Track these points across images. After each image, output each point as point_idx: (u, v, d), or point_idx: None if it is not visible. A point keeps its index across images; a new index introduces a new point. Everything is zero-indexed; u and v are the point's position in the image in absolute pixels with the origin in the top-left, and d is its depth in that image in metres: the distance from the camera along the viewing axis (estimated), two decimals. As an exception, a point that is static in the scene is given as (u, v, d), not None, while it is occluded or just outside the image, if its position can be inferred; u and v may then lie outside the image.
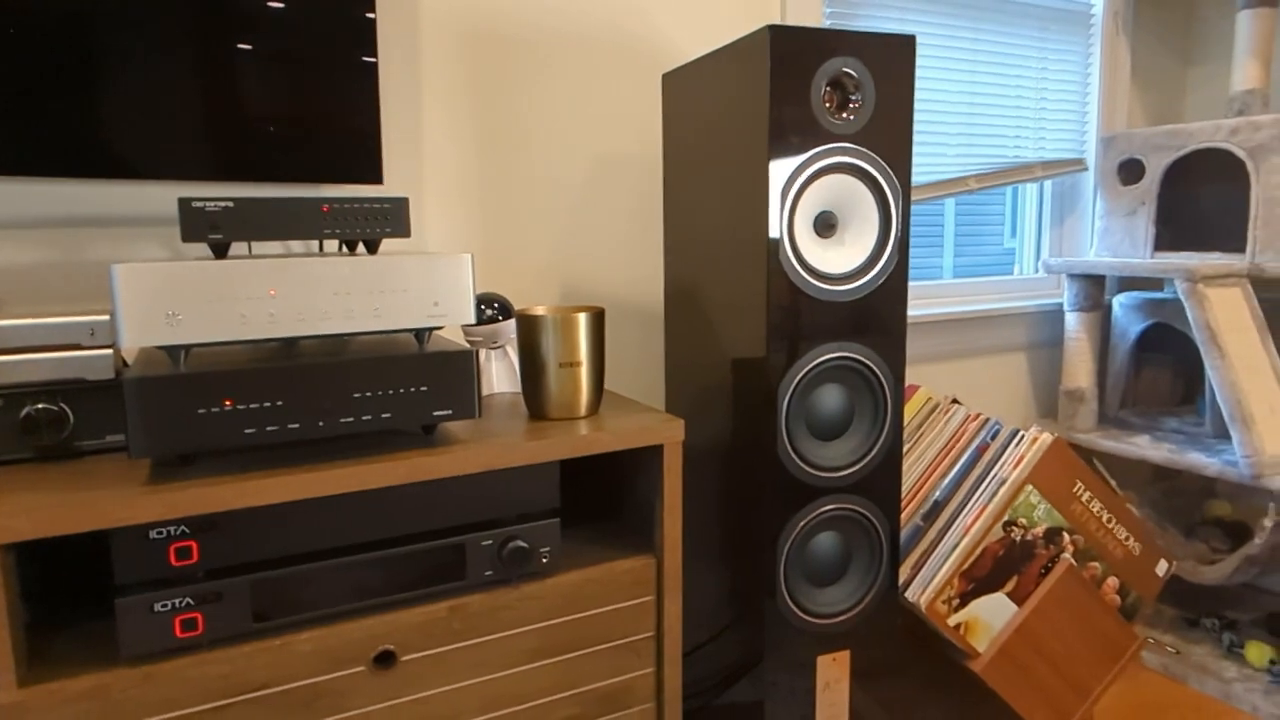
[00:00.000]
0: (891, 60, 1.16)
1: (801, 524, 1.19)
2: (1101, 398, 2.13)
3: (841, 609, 1.23)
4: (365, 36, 1.27)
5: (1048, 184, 2.31)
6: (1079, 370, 2.07)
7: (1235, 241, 1.91)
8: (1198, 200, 2.04)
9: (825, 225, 1.18)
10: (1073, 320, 2.08)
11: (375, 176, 1.33)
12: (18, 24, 1.07)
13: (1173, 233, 2.05)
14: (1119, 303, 2.10)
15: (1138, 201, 2.06)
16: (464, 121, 1.46)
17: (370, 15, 1.27)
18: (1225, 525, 2.03)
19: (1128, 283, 2.27)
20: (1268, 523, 1.74)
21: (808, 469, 1.18)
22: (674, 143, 1.40)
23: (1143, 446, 1.89)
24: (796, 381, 1.16)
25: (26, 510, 0.81)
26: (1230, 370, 1.69)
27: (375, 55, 1.28)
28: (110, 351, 0.99)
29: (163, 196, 1.26)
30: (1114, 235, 2.11)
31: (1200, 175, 2.01)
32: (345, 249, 1.16)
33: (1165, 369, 2.17)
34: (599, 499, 1.33)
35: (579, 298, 1.59)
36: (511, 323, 1.33)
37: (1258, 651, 1.78)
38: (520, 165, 1.51)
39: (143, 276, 0.85)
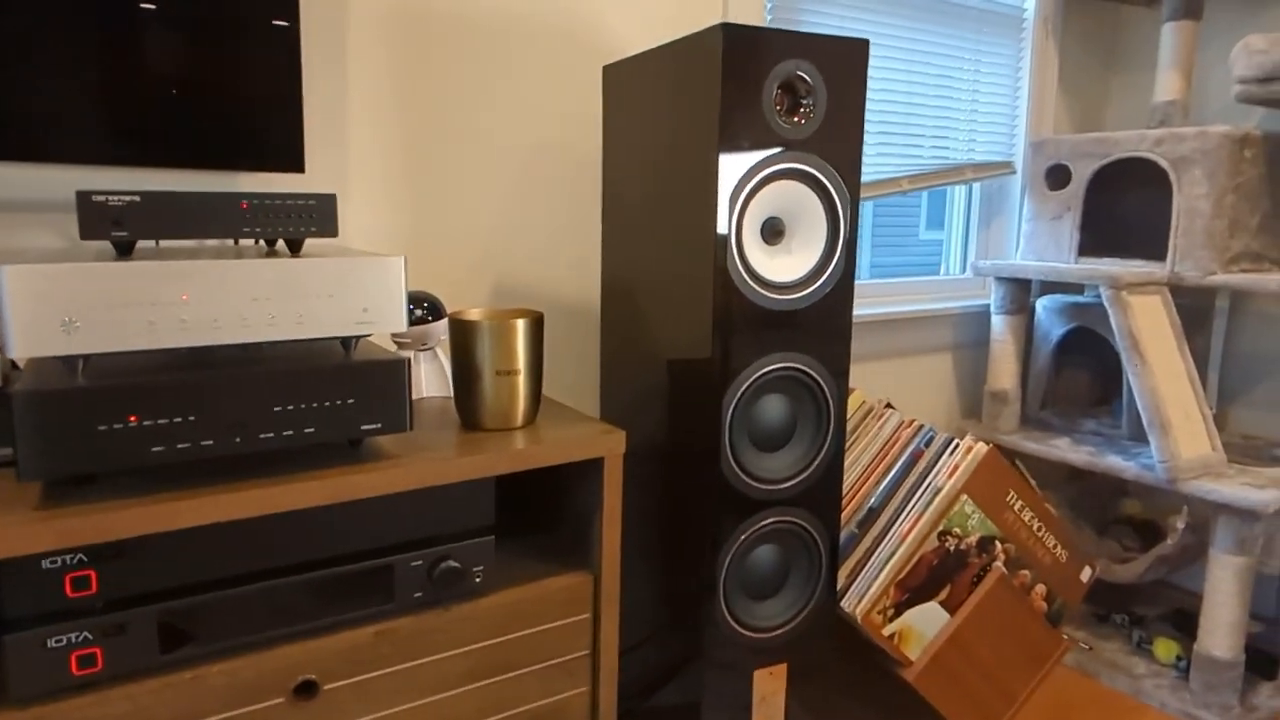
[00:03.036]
0: (844, 64, 1.14)
1: (742, 537, 1.17)
2: (1023, 399, 2.18)
3: (779, 622, 1.21)
4: (287, 7, 1.18)
5: (976, 186, 2.35)
6: (1003, 372, 2.11)
7: (1156, 249, 1.96)
8: (1121, 207, 2.09)
9: (773, 232, 1.15)
10: (999, 323, 2.12)
11: (296, 164, 1.24)
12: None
13: (1096, 238, 2.10)
14: (1042, 306, 2.15)
15: (1064, 206, 2.10)
16: (390, 106, 1.38)
17: (294, -10, 1.18)
18: (1136, 524, 2.10)
19: (1051, 286, 2.33)
20: (1180, 524, 1.80)
21: (750, 481, 1.15)
22: (614, 138, 1.35)
23: (1063, 449, 1.94)
24: (741, 391, 1.13)
25: (-105, 541, 0.72)
26: (1150, 376, 1.74)
27: (297, 21, 1.19)
28: (-4, 357, 0.89)
29: (59, 179, 1.15)
30: (1040, 239, 2.15)
31: (1124, 183, 2.06)
32: (265, 246, 1.08)
33: (1084, 371, 2.24)
34: (533, 509, 1.29)
35: (512, 296, 1.53)
36: (442, 323, 1.27)
37: (1165, 648, 1.85)
38: (451, 155, 1.44)
39: (35, 279, 0.76)
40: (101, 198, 0.82)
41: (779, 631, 1.21)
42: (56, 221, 1.16)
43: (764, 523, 1.17)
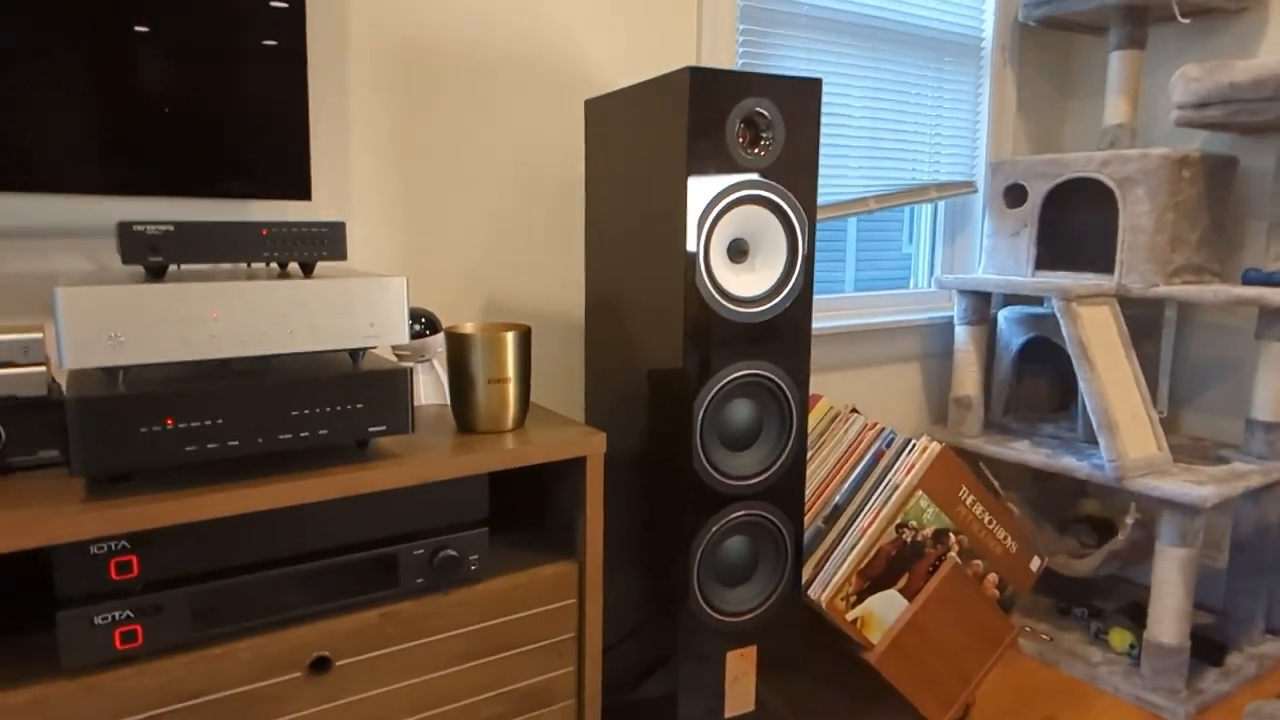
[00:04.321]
0: (800, 101, 1.26)
1: (714, 529, 1.28)
2: (987, 405, 2.30)
3: (749, 607, 1.33)
4: (295, 45, 1.29)
5: (941, 204, 2.48)
6: (967, 380, 2.23)
7: (1105, 263, 2.10)
8: (1073, 224, 2.23)
9: (738, 251, 1.27)
10: (962, 333, 2.25)
11: (303, 192, 1.36)
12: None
13: (1051, 253, 2.23)
14: (1003, 317, 2.28)
15: (1021, 223, 2.24)
16: (387, 135, 1.50)
17: (300, 23, 1.29)
18: (1094, 522, 2.23)
19: (1012, 298, 2.46)
20: (1129, 520, 1.93)
21: (720, 477, 1.27)
22: (595, 165, 1.47)
23: (1023, 451, 2.06)
24: (710, 396, 1.25)
25: (-34, 529, 0.83)
26: (1098, 382, 1.87)
27: (304, 60, 1.30)
28: (44, 369, 1.00)
29: (85, 210, 1.27)
30: (1000, 254, 2.29)
31: (1075, 201, 2.20)
32: (277, 268, 1.19)
33: (1043, 378, 2.37)
34: (523, 506, 1.40)
35: (501, 311, 1.65)
36: (439, 337, 1.38)
37: (1120, 637, 1.97)
38: (444, 180, 1.56)
39: (86, 299, 0.88)
40: (141, 227, 0.94)
41: (749, 616, 1.33)
42: (81, 246, 1.27)
43: (733, 515, 1.29)
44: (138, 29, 1.17)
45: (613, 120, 1.40)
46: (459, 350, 1.21)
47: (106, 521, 0.89)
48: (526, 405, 1.25)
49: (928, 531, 1.51)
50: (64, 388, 1.08)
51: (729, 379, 1.26)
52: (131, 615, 0.92)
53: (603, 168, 1.45)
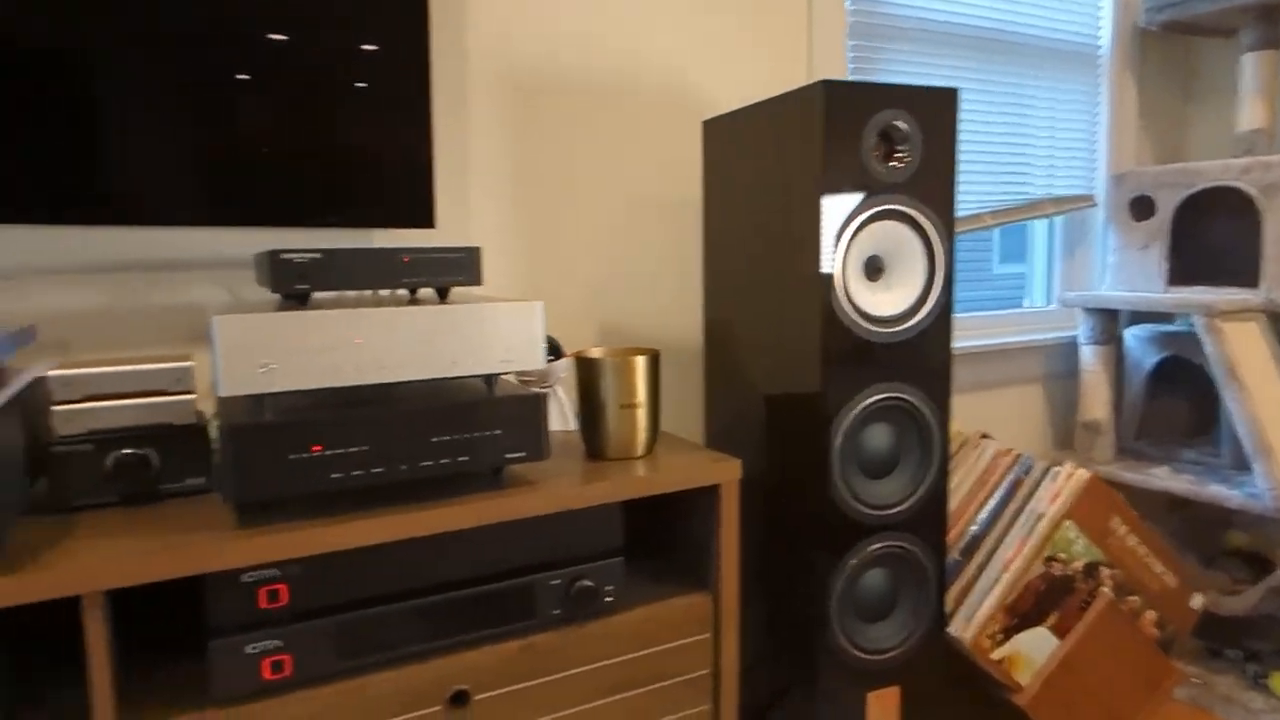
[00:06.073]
0: (936, 111, 1.21)
1: (853, 561, 1.22)
2: (1117, 429, 2.17)
3: (891, 645, 1.26)
4: (421, 77, 1.31)
5: (1058, 219, 2.37)
6: (1095, 402, 2.11)
7: (1247, 276, 1.96)
8: (1207, 236, 2.10)
9: (874, 269, 1.22)
10: (1088, 353, 2.13)
11: (427, 221, 1.37)
12: (56, 72, 1.10)
13: (1185, 267, 2.10)
14: (1132, 335, 2.15)
15: (1150, 237, 2.11)
16: (503, 163, 1.50)
17: (426, 64, 1.31)
18: (1244, 556, 2.06)
19: (1140, 315, 2.32)
20: (1289, 553, 1.77)
21: (860, 506, 1.21)
22: (714, 187, 1.44)
23: (1162, 478, 1.93)
24: (848, 421, 1.19)
25: (125, 556, 0.83)
26: (1250, 403, 1.74)
27: (430, 97, 1.32)
28: (193, 397, 1.01)
29: (216, 242, 1.30)
30: (1127, 269, 2.17)
31: (1211, 211, 2.07)
32: (409, 294, 1.19)
33: (1179, 400, 2.22)
34: (649, 535, 1.36)
35: (617, 337, 1.63)
36: (562, 363, 1.36)
37: (1281, 680, 1.81)
38: (558, 207, 1.55)
39: (239, 327, 0.88)
40: (289, 255, 0.94)
41: (891, 654, 1.26)
42: (215, 277, 1.30)
43: (873, 547, 1.22)
44: (270, 68, 1.19)
45: (734, 140, 1.37)
46: (589, 375, 1.18)
47: (258, 549, 0.88)
48: (656, 431, 1.22)
49: (1078, 565, 1.41)
50: (205, 416, 1.10)
51: (868, 402, 1.20)
52: (280, 645, 0.91)
53: (722, 189, 1.42)
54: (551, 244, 1.55)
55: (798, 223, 1.21)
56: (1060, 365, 2.28)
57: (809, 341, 1.20)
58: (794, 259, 1.22)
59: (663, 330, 1.67)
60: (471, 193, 1.48)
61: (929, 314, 1.23)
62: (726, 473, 1.16)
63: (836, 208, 1.16)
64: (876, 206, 1.18)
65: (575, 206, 1.57)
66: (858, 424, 1.21)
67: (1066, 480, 1.43)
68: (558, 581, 1.07)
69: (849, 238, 1.17)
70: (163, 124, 1.14)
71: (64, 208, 1.11)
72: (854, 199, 1.17)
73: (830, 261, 1.17)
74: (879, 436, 1.24)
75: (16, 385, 0.93)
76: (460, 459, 1.00)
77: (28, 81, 1.07)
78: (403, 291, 1.32)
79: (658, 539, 1.33)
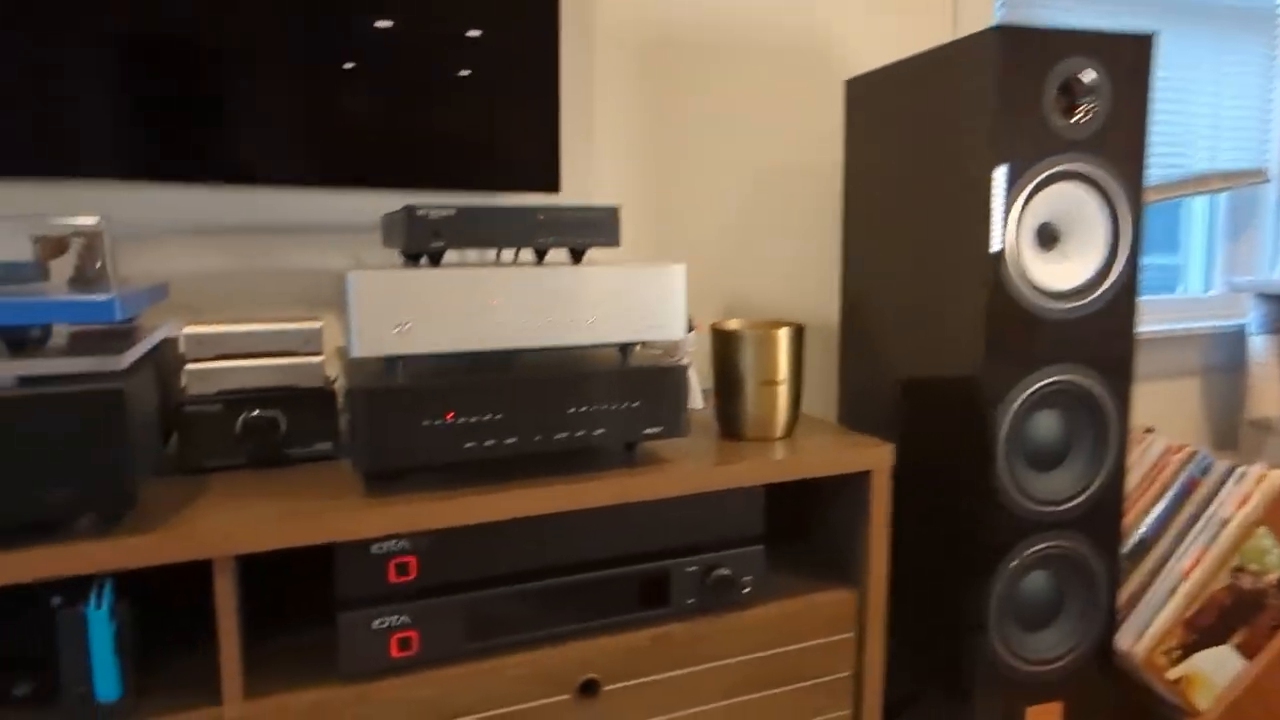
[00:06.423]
0: (1128, 61, 1.07)
1: (1015, 562, 1.10)
2: (1290, 429, 1.96)
3: (1054, 656, 1.13)
4: (549, 35, 1.25)
5: (1221, 197, 2.15)
6: (1268, 398, 1.90)
7: None
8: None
9: (1048, 237, 1.09)
10: (1259, 343, 1.92)
11: (553, 185, 1.31)
12: (210, 31, 1.08)
13: (1377, 251, 1.87)
14: (1312, 326, 1.93)
15: (1336, 217, 1.89)
16: (633, 129, 1.43)
17: (554, 21, 1.24)
18: None
19: (1317, 305, 2.09)
20: None
21: (1025, 501, 1.09)
22: (858, 152, 1.33)
23: (1348, 485, 1.72)
24: (1017, 405, 1.07)
25: (258, 521, 0.79)
26: None
27: (558, 56, 1.26)
28: (322, 359, 0.98)
29: (347, 205, 1.26)
30: (1307, 253, 1.94)
31: None
32: (536, 257, 1.13)
33: (1363, 400, 1.98)
34: (784, 523, 1.27)
35: (744, 311, 1.54)
36: (690, 337, 1.28)
37: None
38: (684, 173, 1.47)
39: (377, 283, 0.83)
40: (424, 211, 0.89)
41: (1054, 666, 1.13)
42: (342, 241, 1.27)
43: (1039, 546, 1.10)
44: (395, 28, 1.15)
45: (883, 98, 1.25)
46: (727, 349, 1.10)
47: (389, 520, 0.83)
48: (798, 411, 1.12)
49: (1271, 577, 1.25)
50: (333, 380, 1.06)
51: (1039, 385, 1.08)
52: (409, 621, 0.87)
53: (867, 153, 1.30)
54: (677, 212, 1.47)
55: (962, 186, 1.09)
56: (1223, 356, 2.07)
57: (971, 315, 1.08)
58: (956, 227, 1.11)
59: (794, 306, 1.57)
60: (596, 157, 1.41)
61: (1111, 288, 1.09)
62: (878, 459, 1.06)
63: (1011, 167, 1.04)
64: (1056, 166, 1.06)
65: (703, 173, 1.48)
66: (1026, 409, 1.09)
67: (1257, 483, 1.27)
68: (694, 569, 0.99)
69: (1023, 202, 1.05)
70: (292, 84, 1.11)
71: (195, 167, 1.09)
72: (1030, 158, 1.05)
73: (1000, 228, 1.05)
74: (1047, 424, 1.12)
75: (151, 340, 0.91)
76: (596, 432, 0.93)
77: (158, 41, 1.05)
78: (527, 255, 1.27)
79: (793, 528, 1.24)
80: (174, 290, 1.19)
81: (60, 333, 0.90)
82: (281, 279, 1.24)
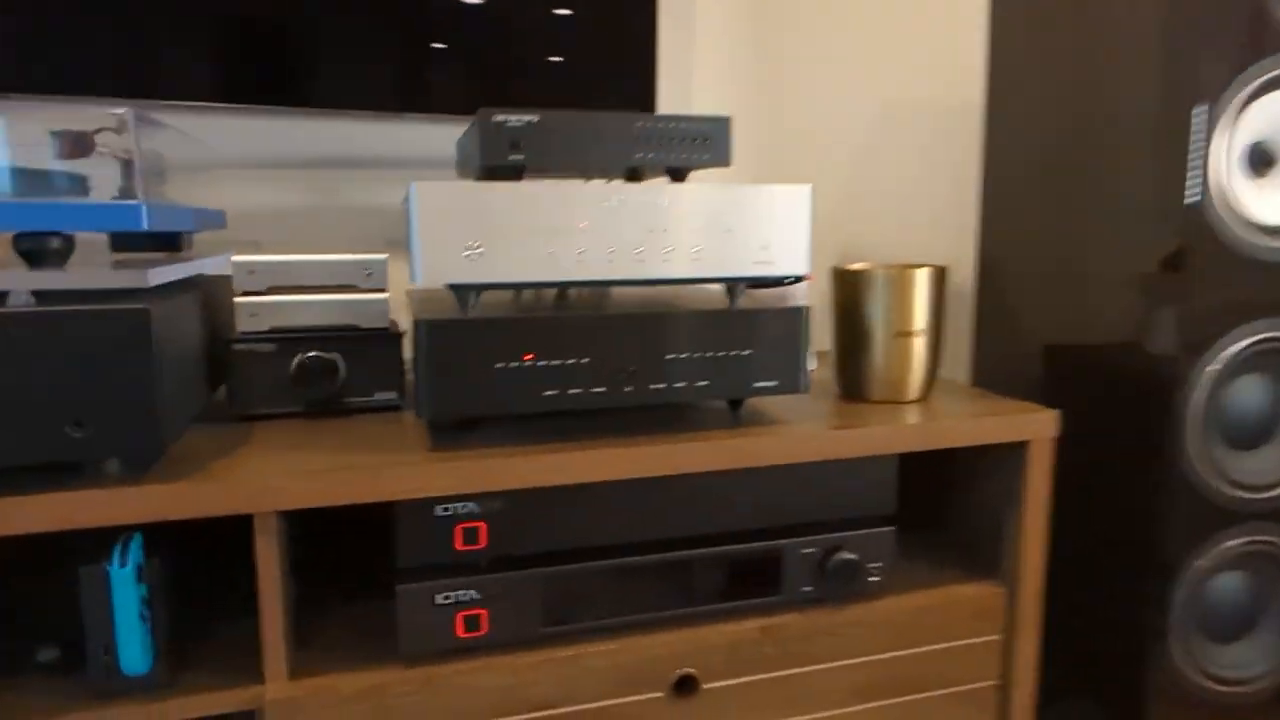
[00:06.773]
0: (1376, -63, 0.85)
1: (1201, 561, 0.90)
2: None
3: (1253, 675, 0.93)
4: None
5: None
6: None
7: None
8: None
9: (1261, 160, 0.88)
10: None
11: (648, 106, 1.17)
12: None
13: None
14: None
15: None
16: (737, 49, 1.26)
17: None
18: None
19: None
20: None
21: (1223, 487, 0.89)
22: (1004, 81, 1.13)
23: None
24: (1218, 369, 0.87)
25: (305, 475, 0.67)
26: None
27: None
28: (386, 296, 0.86)
29: (415, 137, 1.14)
30: None
31: None
32: (627, 179, 0.99)
33: None
34: (910, 503, 1.10)
35: (859, 260, 1.36)
36: (802, 286, 1.12)
37: None
38: (794, 105, 1.30)
39: (445, 197, 0.70)
40: (501, 118, 0.75)
41: (1250, 687, 0.93)
42: (410, 177, 1.15)
43: (1235, 541, 0.90)
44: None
45: (1039, 11, 1.05)
46: (852, 293, 0.93)
47: (456, 477, 0.70)
48: (936, 369, 0.95)
49: None
50: (397, 325, 0.94)
51: (1242, 344, 0.88)
52: (477, 597, 0.74)
53: (1017, 81, 1.11)
54: (785, 150, 1.30)
55: (1147, 97, 0.89)
56: None
57: (1151, 255, 0.88)
58: (1139, 146, 0.91)
59: (919, 257, 1.39)
60: (695, 78, 1.25)
61: (1343, 225, 0.88)
62: (1039, 427, 0.87)
63: (1213, 74, 0.84)
64: (1273, 71, 0.85)
65: (817, 104, 1.30)
66: (1224, 375, 0.89)
67: None
68: (812, 550, 0.84)
69: (1233, 117, 0.85)
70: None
71: (262, 90, 0.99)
72: (1245, 61, 0.84)
73: (1202, 149, 0.85)
74: (1252, 394, 0.91)
75: (193, 266, 0.80)
76: (699, 384, 0.78)
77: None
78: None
79: (925, 510, 1.07)
80: (239, 226, 1.09)
81: (101, 260, 0.80)
82: (353, 216, 1.13)
